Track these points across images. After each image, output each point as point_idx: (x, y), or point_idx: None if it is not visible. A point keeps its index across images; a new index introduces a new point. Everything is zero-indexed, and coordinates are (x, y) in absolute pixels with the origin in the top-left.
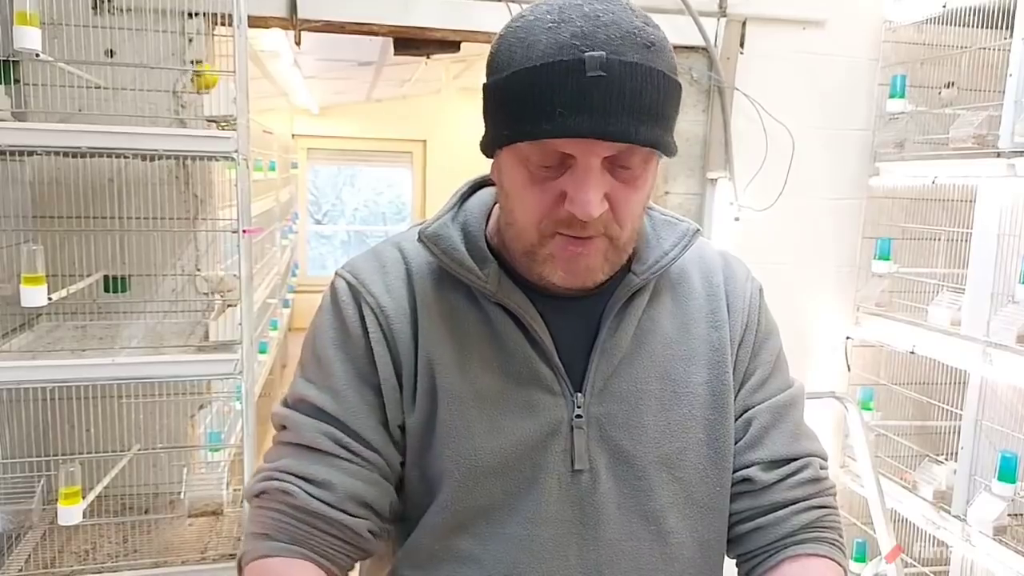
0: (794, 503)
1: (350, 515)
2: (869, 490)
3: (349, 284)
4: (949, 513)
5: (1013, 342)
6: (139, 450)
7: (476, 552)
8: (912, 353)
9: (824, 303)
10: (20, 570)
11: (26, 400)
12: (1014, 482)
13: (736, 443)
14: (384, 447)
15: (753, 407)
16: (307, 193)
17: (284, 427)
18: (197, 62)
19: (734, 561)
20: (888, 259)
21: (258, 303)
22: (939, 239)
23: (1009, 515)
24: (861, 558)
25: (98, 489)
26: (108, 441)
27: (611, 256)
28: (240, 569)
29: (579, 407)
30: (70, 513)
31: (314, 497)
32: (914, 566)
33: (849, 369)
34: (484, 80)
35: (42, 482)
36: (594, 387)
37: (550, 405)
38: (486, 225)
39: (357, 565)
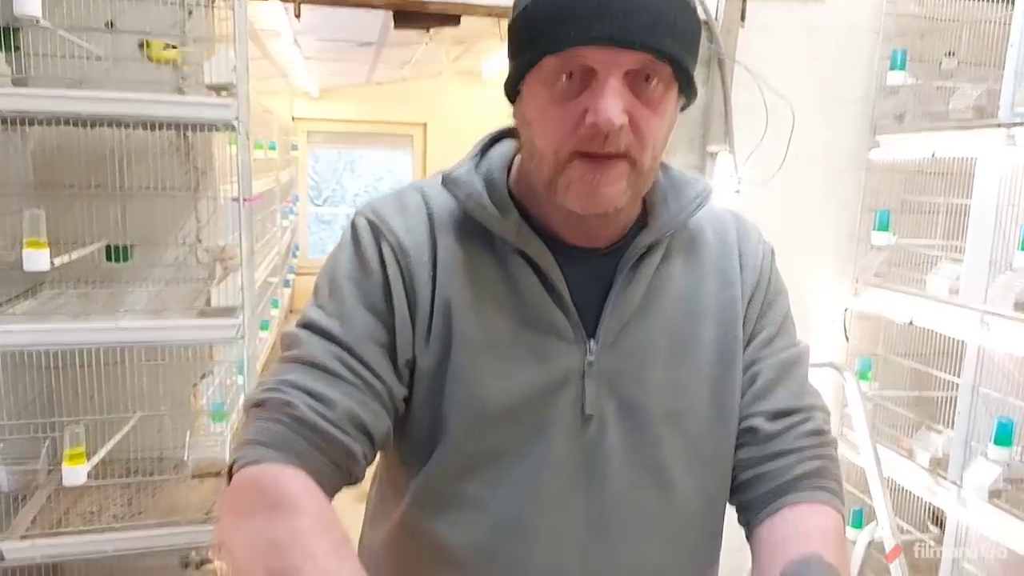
0: (797, 451)
1: (347, 434)
2: (866, 459)
3: (370, 222)
4: (945, 478)
5: (1010, 309)
6: (143, 414)
7: (484, 497)
8: (910, 324)
9: (824, 275)
10: (27, 530)
11: (30, 366)
12: (1010, 446)
13: (742, 396)
14: (389, 377)
15: (760, 361)
16: (307, 178)
17: (291, 346)
18: (147, 43)
19: (734, 508)
20: (887, 231)
21: (259, 281)
22: (938, 211)
23: (1005, 480)
24: (858, 525)
25: (103, 452)
26: (112, 406)
27: (632, 182)
28: (230, 476)
29: (591, 354)
30: (75, 473)
31: (315, 411)
32: (910, 532)
33: (848, 340)
34: (510, 18)
35: (47, 444)
36: (605, 340)
37: (563, 352)
38: (508, 176)
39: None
